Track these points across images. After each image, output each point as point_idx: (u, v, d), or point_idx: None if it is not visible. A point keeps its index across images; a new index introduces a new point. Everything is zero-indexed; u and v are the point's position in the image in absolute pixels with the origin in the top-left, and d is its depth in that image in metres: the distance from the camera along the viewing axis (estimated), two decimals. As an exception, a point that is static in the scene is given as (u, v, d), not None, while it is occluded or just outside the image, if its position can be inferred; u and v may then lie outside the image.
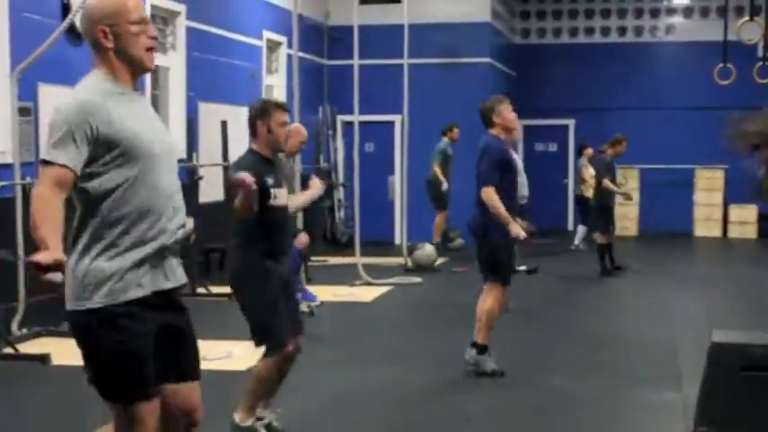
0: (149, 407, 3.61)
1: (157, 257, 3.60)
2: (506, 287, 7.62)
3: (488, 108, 7.58)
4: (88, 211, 3.53)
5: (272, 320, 5.60)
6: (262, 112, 5.71)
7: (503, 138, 7.55)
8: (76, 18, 9.25)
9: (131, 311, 3.53)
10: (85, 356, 3.67)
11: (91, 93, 3.54)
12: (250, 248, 5.55)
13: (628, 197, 14.03)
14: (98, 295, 3.50)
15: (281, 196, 5.67)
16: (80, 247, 3.53)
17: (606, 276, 13.43)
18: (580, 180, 16.26)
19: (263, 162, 5.66)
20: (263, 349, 5.69)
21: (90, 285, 3.50)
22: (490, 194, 7.24)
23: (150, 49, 3.65)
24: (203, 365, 7.37)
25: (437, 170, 14.92)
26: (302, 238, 7.95)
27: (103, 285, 3.50)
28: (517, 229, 7.27)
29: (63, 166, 3.42)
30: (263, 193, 5.53)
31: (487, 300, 7.51)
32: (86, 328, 3.57)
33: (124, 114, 3.53)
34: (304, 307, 9.22)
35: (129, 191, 3.52)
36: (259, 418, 5.83)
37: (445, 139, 15.10)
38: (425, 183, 15.08)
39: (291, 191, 9.10)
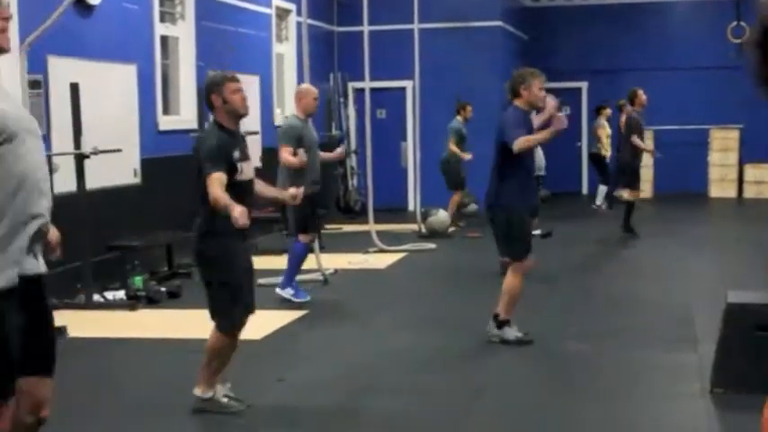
0: (6, 408, 3.50)
1: (35, 238, 3.51)
2: (526, 260, 7.52)
3: (520, 78, 7.35)
4: None
5: (233, 305, 5.69)
6: (213, 86, 5.74)
7: (526, 110, 7.39)
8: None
9: (2, 305, 3.40)
10: None
11: None
12: (215, 225, 5.53)
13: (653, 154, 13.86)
14: None
15: (246, 170, 5.69)
16: None
17: (629, 234, 13.42)
18: (596, 139, 16.17)
19: (228, 135, 5.66)
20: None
21: None
22: (521, 141, 7.07)
23: (3, 30, 3.56)
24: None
25: (454, 148, 14.39)
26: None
27: None
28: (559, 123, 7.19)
29: None
30: (231, 166, 5.54)
31: (508, 276, 7.46)
32: None
33: None
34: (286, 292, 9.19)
35: (3, 170, 3.43)
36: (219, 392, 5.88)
37: (459, 118, 14.68)
38: (439, 164, 14.60)
39: (315, 156, 9.11)
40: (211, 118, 5.84)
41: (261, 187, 6.12)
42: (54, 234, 3.80)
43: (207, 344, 5.80)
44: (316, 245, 10.32)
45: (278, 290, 9.18)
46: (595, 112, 16.67)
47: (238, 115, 5.76)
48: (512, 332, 7.46)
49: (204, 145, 5.63)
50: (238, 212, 5.27)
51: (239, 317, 5.76)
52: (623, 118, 14.61)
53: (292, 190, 6.15)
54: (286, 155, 8.77)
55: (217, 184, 5.44)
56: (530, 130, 7.29)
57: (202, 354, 5.81)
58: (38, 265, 3.57)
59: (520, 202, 7.31)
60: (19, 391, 3.56)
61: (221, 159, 5.53)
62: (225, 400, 5.84)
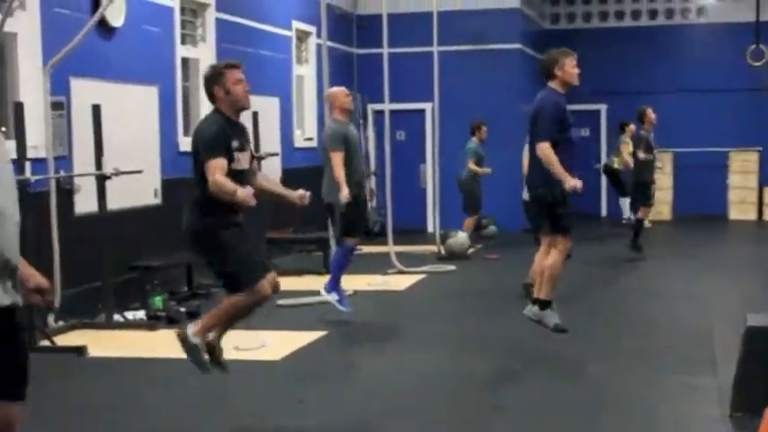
0: None
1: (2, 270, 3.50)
2: (569, 236, 7.51)
3: (552, 59, 7.40)
4: None
5: (246, 263, 5.67)
6: (215, 77, 5.76)
7: (561, 92, 7.40)
8: (107, 12, 9.30)
9: None
10: None
11: None
12: (209, 209, 5.56)
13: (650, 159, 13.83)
14: None
15: (242, 160, 5.70)
16: None
17: (636, 251, 13.43)
18: (615, 152, 16.16)
19: (229, 124, 5.68)
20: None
21: None
22: (545, 150, 7.14)
23: None
24: (237, 355, 7.44)
25: (474, 167, 14.27)
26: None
27: None
28: (573, 181, 7.21)
29: None
30: (229, 156, 5.56)
31: (551, 255, 7.43)
32: None
33: None
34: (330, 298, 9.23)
35: None
36: (208, 342, 5.86)
37: (474, 139, 14.62)
38: (458, 184, 14.52)
39: (359, 157, 9.15)
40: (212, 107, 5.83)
41: (265, 183, 6.10)
42: (40, 281, 3.75)
43: (226, 301, 5.77)
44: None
45: (323, 292, 9.23)
46: (619, 128, 16.68)
47: (240, 107, 5.77)
48: (553, 317, 7.42)
49: (204, 131, 5.64)
50: (243, 194, 5.28)
51: (261, 275, 5.71)
52: (626, 138, 14.75)
53: (300, 191, 6.11)
54: (339, 164, 8.81)
55: (217, 170, 5.45)
56: (565, 118, 7.28)
57: (217, 310, 5.78)
58: (7, 297, 3.52)
59: (561, 188, 7.32)
60: None
61: (221, 146, 5.54)
62: (206, 356, 5.81)
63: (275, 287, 5.94)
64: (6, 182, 3.58)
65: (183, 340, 5.83)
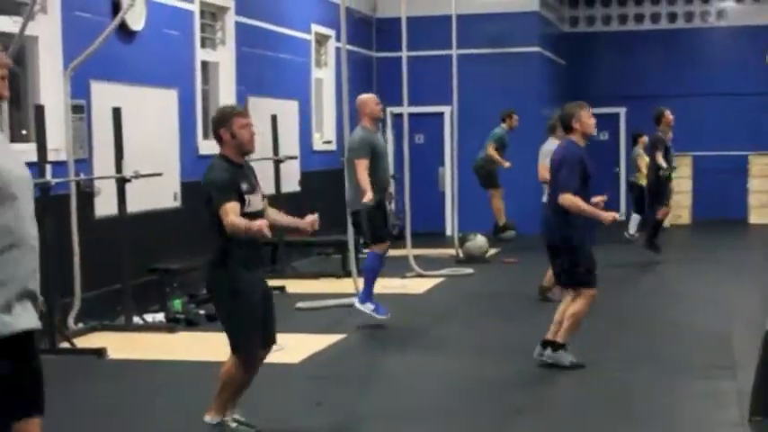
0: None
1: (23, 293, 3.56)
2: (594, 287, 7.53)
3: (569, 114, 7.53)
4: None
5: (247, 334, 5.64)
6: (222, 121, 5.75)
7: (581, 144, 7.51)
8: (127, 15, 9.34)
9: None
10: None
11: None
12: (227, 260, 5.55)
13: (668, 170, 13.81)
14: None
15: (254, 202, 5.69)
16: None
17: (652, 251, 13.40)
18: (635, 168, 16.14)
19: (235, 168, 5.68)
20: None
21: None
22: (570, 199, 7.22)
23: (3, 78, 3.61)
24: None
25: (493, 152, 14.36)
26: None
27: None
28: (607, 214, 7.29)
29: None
30: (240, 199, 5.56)
31: (575, 304, 7.44)
32: None
33: None
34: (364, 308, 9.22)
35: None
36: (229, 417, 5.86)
37: (503, 126, 14.70)
38: (473, 168, 14.65)
39: (384, 163, 9.16)
40: (218, 151, 5.84)
41: (277, 216, 6.09)
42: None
43: (222, 370, 5.77)
44: (353, 269, 10.36)
45: (357, 304, 9.19)
46: (632, 140, 16.64)
47: (245, 151, 5.79)
48: (567, 357, 7.45)
49: (213, 178, 5.64)
50: (258, 226, 5.29)
51: (256, 350, 5.72)
52: (640, 150, 14.75)
53: (309, 217, 6.11)
54: (364, 172, 8.80)
55: (231, 212, 5.46)
56: (585, 169, 7.34)
57: (217, 380, 5.79)
58: (31, 321, 3.60)
59: (582, 232, 7.38)
60: None
61: (232, 191, 5.55)
62: (234, 425, 5.80)
63: (263, 357, 5.93)
64: (26, 203, 3.62)
65: (210, 428, 5.81)
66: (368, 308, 9.13)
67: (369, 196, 8.73)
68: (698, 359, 7.88)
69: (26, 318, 3.57)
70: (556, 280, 7.96)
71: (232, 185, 5.56)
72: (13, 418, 3.60)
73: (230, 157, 5.72)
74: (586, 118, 7.50)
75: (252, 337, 5.66)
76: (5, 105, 7.98)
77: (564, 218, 7.32)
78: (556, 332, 7.50)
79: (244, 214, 5.55)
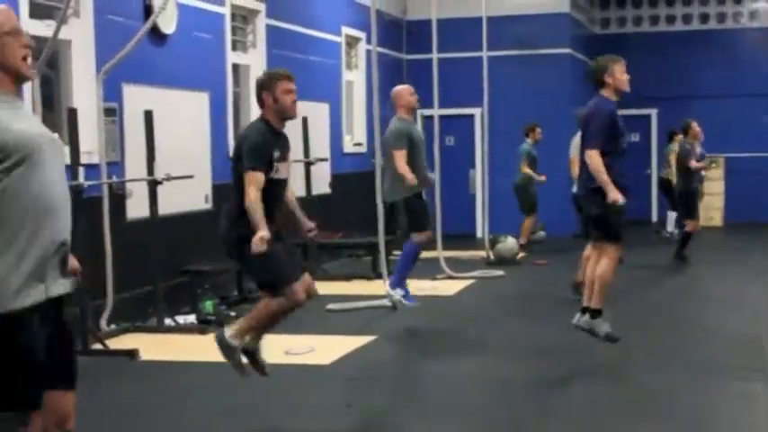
0: (36, 415, 3.63)
1: (50, 260, 3.60)
2: (619, 244, 7.48)
3: (600, 67, 7.38)
4: None
5: (274, 265, 5.72)
6: (267, 83, 5.81)
7: (613, 99, 7.37)
8: (159, 19, 9.40)
9: (28, 317, 3.52)
10: None
11: None
12: (242, 218, 5.62)
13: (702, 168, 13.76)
14: None
15: (282, 170, 5.77)
16: None
17: (680, 261, 13.38)
18: (666, 164, 16.07)
19: (272, 133, 5.74)
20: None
21: None
22: (593, 157, 7.11)
23: (25, 58, 3.67)
24: (288, 359, 7.50)
25: (528, 171, 14.44)
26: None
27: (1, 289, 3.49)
28: (615, 194, 7.16)
29: None
30: (269, 164, 5.62)
31: (601, 262, 7.38)
32: None
33: (11, 119, 3.56)
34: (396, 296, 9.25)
35: (24, 190, 3.53)
36: (246, 346, 5.90)
37: (528, 141, 14.70)
38: (513, 188, 14.65)
39: (422, 154, 9.19)
40: (259, 114, 5.89)
41: (292, 204, 6.15)
42: (72, 262, 3.82)
43: (261, 304, 5.82)
44: (384, 271, 10.37)
45: (389, 288, 9.23)
46: (668, 138, 16.57)
47: (286, 116, 5.82)
48: (604, 326, 7.38)
49: (248, 140, 5.70)
50: (258, 239, 5.34)
51: (291, 275, 5.77)
52: (675, 147, 14.64)
53: (312, 225, 6.18)
54: (402, 162, 8.83)
55: (254, 184, 5.52)
56: (616, 125, 7.23)
57: (253, 309, 5.85)
58: (63, 286, 3.66)
59: (614, 180, 7.28)
60: (44, 405, 3.66)
61: (263, 157, 5.60)
62: (245, 360, 5.88)
63: (310, 292, 5.99)
64: (53, 166, 3.68)
65: (221, 342, 5.91)
66: (398, 293, 9.18)
67: (410, 177, 8.77)
68: (729, 361, 7.84)
69: (59, 284, 3.64)
70: (584, 234, 7.89)
71: (264, 151, 5.61)
72: (44, 388, 3.62)
73: (270, 122, 5.77)
74: (619, 73, 7.36)
75: (284, 269, 5.75)
76: (39, 108, 8.04)
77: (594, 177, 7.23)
78: (590, 296, 7.44)
79: (269, 180, 5.61)
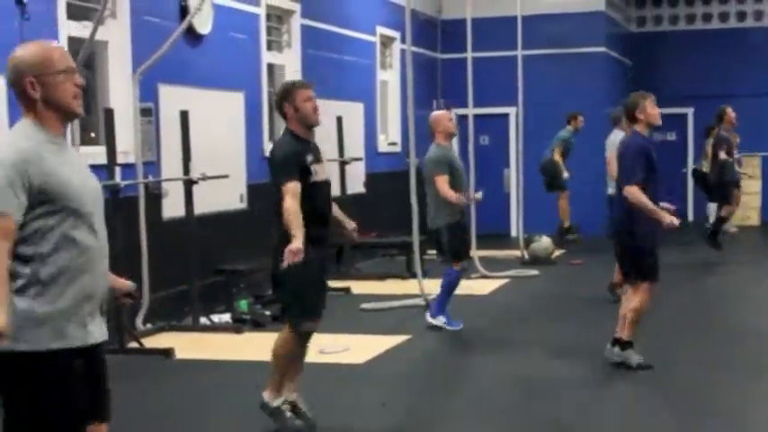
0: None
1: (89, 303, 3.65)
2: (655, 281, 7.49)
3: (632, 104, 7.51)
4: (20, 254, 3.54)
5: (307, 295, 5.73)
6: (286, 94, 5.81)
7: (646, 134, 7.46)
8: (195, 19, 9.45)
9: (63, 358, 3.57)
10: (6, 398, 3.63)
11: (26, 143, 3.57)
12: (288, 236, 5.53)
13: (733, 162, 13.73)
14: (30, 339, 3.52)
15: (320, 172, 5.75)
16: (15, 290, 3.55)
17: (714, 248, 13.38)
18: (703, 156, 16.02)
19: (300, 141, 5.74)
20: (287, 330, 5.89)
21: (22, 329, 3.51)
22: (634, 192, 7.17)
23: (76, 96, 3.68)
24: (323, 359, 7.53)
25: (558, 158, 14.55)
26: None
27: (36, 329, 3.52)
28: (669, 218, 7.20)
29: (7, 216, 3.46)
30: (305, 170, 5.62)
31: (634, 298, 7.42)
32: (11, 371, 3.56)
33: (57, 164, 3.58)
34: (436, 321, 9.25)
35: (63, 236, 3.56)
36: (288, 402, 5.89)
37: (569, 128, 14.74)
38: (539, 169, 14.78)
39: (462, 181, 9.18)
40: (284, 127, 5.92)
41: (337, 211, 6.14)
42: (126, 285, 3.98)
43: (273, 347, 5.85)
44: (418, 270, 10.38)
45: (429, 318, 9.22)
46: (705, 133, 16.49)
47: (309, 124, 5.83)
48: (635, 357, 7.41)
49: (276, 154, 5.72)
50: (293, 249, 5.32)
51: (308, 318, 5.79)
52: (711, 140, 14.60)
53: (354, 226, 6.19)
54: (445, 186, 8.82)
55: (290, 194, 5.53)
56: (650, 160, 7.27)
57: (271, 358, 5.87)
58: (99, 334, 3.72)
59: (649, 227, 7.31)
60: None
61: (294, 167, 5.60)
62: (288, 414, 5.87)
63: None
64: (99, 216, 3.73)
65: (264, 408, 5.89)
66: (440, 320, 9.15)
67: (455, 197, 8.78)
68: (765, 362, 7.79)
69: (98, 331, 3.70)
70: (620, 270, 7.91)
71: (295, 159, 5.62)
72: (84, 422, 3.70)
73: (296, 132, 5.78)
74: (650, 108, 7.46)
75: (310, 303, 5.76)
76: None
77: (629, 209, 7.26)
78: (622, 328, 7.47)
79: (310, 184, 5.62)
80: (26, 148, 3.56)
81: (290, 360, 5.86)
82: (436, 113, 9.53)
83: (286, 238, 5.49)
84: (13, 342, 3.48)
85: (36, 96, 3.62)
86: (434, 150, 9.15)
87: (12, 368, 3.56)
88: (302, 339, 5.85)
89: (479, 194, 9.70)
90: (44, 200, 3.54)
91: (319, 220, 5.67)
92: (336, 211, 6.10)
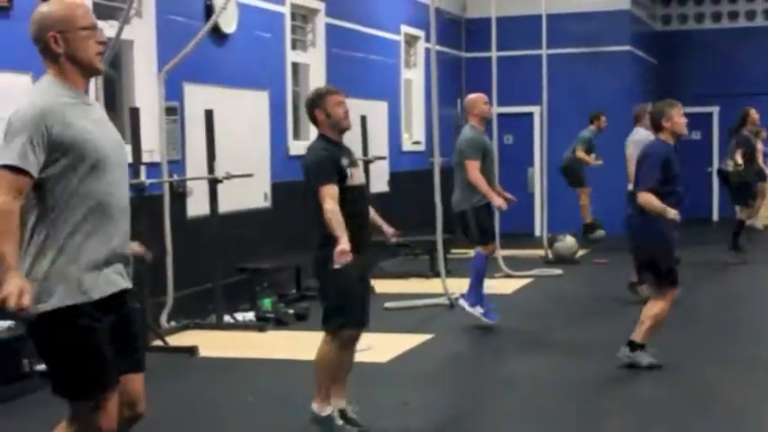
0: (112, 395, 3.72)
1: (110, 259, 3.70)
2: (675, 288, 7.47)
3: (658, 112, 7.42)
4: (42, 213, 3.62)
5: (349, 300, 5.69)
6: (317, 100, 5.81)
7: (671, 143, 7.41)
8: (220, 18, 9.49)
9: (88, 311, 3.64)
10: (46, 359, 3.76)
11: (46, 97, 3.63)
12: (331, 240, 5.47)
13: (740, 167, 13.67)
14: (54, 298, 3.59)
15: (356, 176, 5.75)
16: (34, 250, 3.62)
17: (736, 252, 13.30)
18: (729, 155, 15.95)
19: (334, 145, 5.75)
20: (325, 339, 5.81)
21: (47, 287, 3.59)
22: (645, 197, 7.13)
23: (100, 54, 3.75)
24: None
25: (582, 155, 14.48)
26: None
27: (60, 287, 3.60)
28: (673, 214, 7.13)
29: (22, 171, 3.50)
30: (341, 174, 5.62)
31: (656, 305, 7.39)
32: (45, 330, 3.64)
33: (78, 117, 3.64)
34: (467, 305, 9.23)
35: (83, 193, 3.62)
36: (338, 410, 5.87)
37: (592, 127, 14.72)
38: (561, 168, 14.76)
39: (493, 165, 9.16)
40: (316, 132, 5.92)
41: (375, 216, 6.13)
42: (136, 249, 4.05)
43: (316, 358, 5.84)
44: (442, 269, 10.39)
45: (467, 307, 9.12)
46: (729, 133, 16.39)
47: (341, 128, 5.84)
48: (645, 357, 7.39)
49: (312, 158, 5.72)
50: (340, 250, 5.30)
51: (348, 326, 5.76)
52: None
53: (393, 231, 6.18)
54: (476, 173, 8.78)
55: (328, 196, 5.52)
56: (671, 167, 7.22)
57: (315, 370, 5.86)
58: (122, 283, 3.78)
59: (668, 231, 7.28)
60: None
61: (331, 170, 5.60)
62: (340, 422, 5.85)
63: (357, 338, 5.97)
64: (120, 173, 3.80)
65: (315, 420, 5.85)
66: (477, 311, 9.08)
67: (486, 189, 8.76)
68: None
69: (120, 280, 3.77)
70: (639, 277, 7.89)
71: (330, 164, 5.62)
72: (114, 374, 3.75)
73: (328, 136, 5.79)
74: (677, 117, 7.38)
75: (353, 311, 5.72)
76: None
77: (645, 215, 7.23)
78: (638, 331, 7.44)
79: (347, 188, 5.62)
80: (45, 101, 3.62)
81: (334, 369, 5.82)
82: (472, 96, 9.44)
83: (327, 240, 5.49)
84: (36, 303, 3.55)
85: (59, 51, 3.68)
86: (469, 132, 9.07)
87: (40, 328, 3.63)
88: (344, 345, 5.82)
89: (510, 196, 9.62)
90: (62, 152, 3.59)
91: (357, 225, 5.63)
92: (373, 214, 6.09)
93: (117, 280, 3.76)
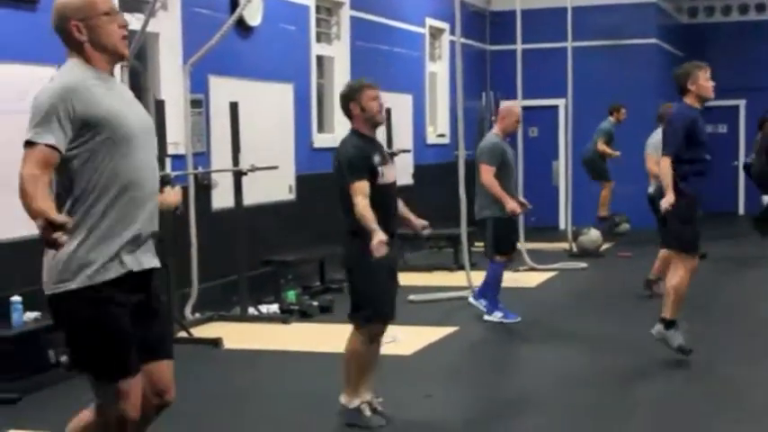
0: (134, 381, 3.73)
1: (135, 239, 3.71)
2: (695, 256, 7.36)
3: (683, 73, 7.17)
4: (68, 190, 3.63)
5: (377, 294, 5.71)
6: (351, 94, 5.81)
7: (696, 107, 7.23)
8: (245, 11, 9.50)
9: (110, 291, 3.65)
10: (68, 339, 3.76)
11: (71, 76, 3.65)
12: (359, 233, 5.53)
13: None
14: (79, 277, 3.61)
15: (387, 174, 5.74)
16: None
17: (758, 231, 13.47)
18: (755, 149, 15.88)
19: (367, 141, 5.75)
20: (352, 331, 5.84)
21: (71, 267, 3.61)
22: (663, 164, 7.00)
23: (124, 38, 3.77)
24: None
25: (604, 147, 14.49)
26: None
27: (85, 267, 3.61)
28: (670, 199, 6.97)
29: (48, 146, 3.50)
30: (372, 171, 5.62)
31: (676, 274, 7.29)
32: (68, 310, 3.67)
33: (103, 95, 3.65)
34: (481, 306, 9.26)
35: (110, 170, 3.63)
36: (366, 402, 5.89)
37: (611, 119, 14.72)
38: (582, 162, 14.76)
39: (513, 174, 9.15)
40: (349, 127, 5.93)
41: (402, 206, 6.13)
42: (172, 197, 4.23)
43: (345, 354, 5.87)
44: (466, 262, 10.39)
45: (486, 316, 9.19)
46: (758, 126, 16.31)
47: (375, 123, 5.85)
48: (677, 338, 7.28)
49: (344, 153, 5.73)
50: (377, 243, 5.31)
51: (375, 320, 5.79)
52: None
53: (423, 222, 6.18)
54: (489, 176, 8.80)
55: (360, 193, 5.53)
56: (695, 133, 7.09)
57: (343, 364, 5.89)
58: (146, 262, 3.79)
59: (693, 189, 7.12)
60: (143, 376, 3.79)
61: (362, 166, 5.61)
62: (368, 413, 5.88)
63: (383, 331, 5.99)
64: (147, 152, 3.81)
65: (345, 414, 5.89)
66: (497, 316, 9.12)
67: (497, 191, 8.74)
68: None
69: (145, 259, 3.79)
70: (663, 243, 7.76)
71: (363, 160, 5.63)
72: (140, 359, 3.77)
73: (361, 131, 5.80)
74: (703, 80, 7.16)
75: (383, 298, 5.74)
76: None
77: (675, 174, 7.06)
78: (665, 305, 7.36)
79: (378, 185, 5.63)
80: (71, 79, 3.64)
81: (363, 362, 5.85)
82: (511, 106, 9.42)
83: (357, 233, 5.52)
84: (58, 282, 3.60)
85: (83, 39, 3.71)
86: (490, 139, 9.11)
87: (62, 306, 3.67)
88: (371, 339, 5.85)
89: (527, 203, 9.58)
90: (90, 130, 3.60)
91: (384, 218, 5.65)
92: (402, 208, 6.09)
93: (143, 259, 3.77)
